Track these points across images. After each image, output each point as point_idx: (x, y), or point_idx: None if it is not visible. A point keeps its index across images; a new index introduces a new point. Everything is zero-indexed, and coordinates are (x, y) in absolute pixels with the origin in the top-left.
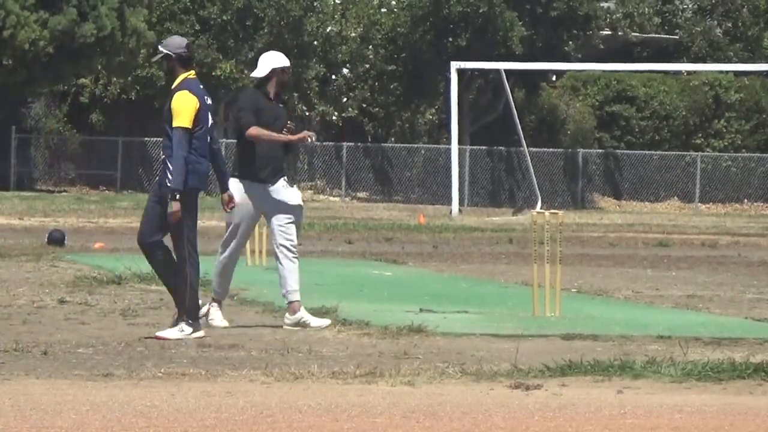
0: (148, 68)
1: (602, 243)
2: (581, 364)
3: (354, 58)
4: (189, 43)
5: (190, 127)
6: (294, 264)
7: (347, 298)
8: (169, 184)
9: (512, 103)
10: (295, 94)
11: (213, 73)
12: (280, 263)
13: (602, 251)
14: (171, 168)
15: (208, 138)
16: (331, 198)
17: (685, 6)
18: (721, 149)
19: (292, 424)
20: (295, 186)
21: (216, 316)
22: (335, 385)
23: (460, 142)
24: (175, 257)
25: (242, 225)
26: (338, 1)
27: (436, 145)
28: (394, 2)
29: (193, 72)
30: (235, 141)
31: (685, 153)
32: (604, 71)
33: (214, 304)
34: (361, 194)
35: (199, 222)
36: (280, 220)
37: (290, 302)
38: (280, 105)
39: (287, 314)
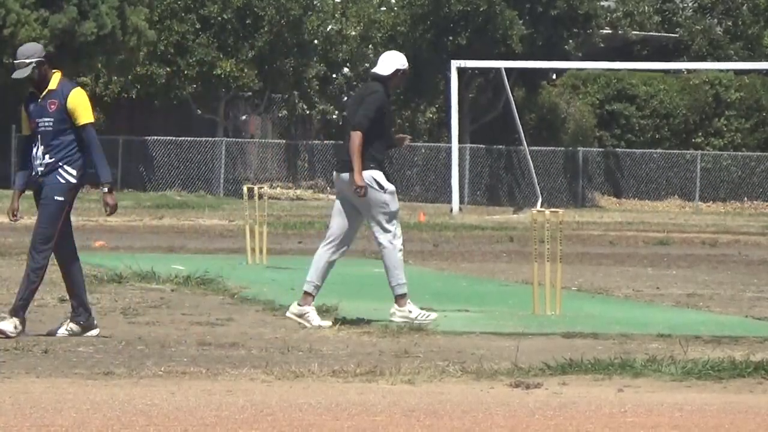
0: (149, 67)
1: (602, 241)
2: (582, 363)
3: (354, 57)
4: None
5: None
6: (395, 255)
7: (347, 297)
8: (102, 179)
9: (512, 102)
10: (296, 93)
11: (213, 72)
12: (384, 258)
13: (602, 250)
14: (96, 163)
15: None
16: (332, 197)
17: (686, 4)
18: (721, 148)
19: (292, 423)
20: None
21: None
22: (336, 383)
23: (460, 141)
24: (38, 253)
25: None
26: (338, 0)
27: (436, 144)
28: (393, 1)
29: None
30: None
31: (686, 151)
32: (604, 70)
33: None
34: None
35: (199, 222)
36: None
37: (398, 296)
38: None
39: (397, 306)
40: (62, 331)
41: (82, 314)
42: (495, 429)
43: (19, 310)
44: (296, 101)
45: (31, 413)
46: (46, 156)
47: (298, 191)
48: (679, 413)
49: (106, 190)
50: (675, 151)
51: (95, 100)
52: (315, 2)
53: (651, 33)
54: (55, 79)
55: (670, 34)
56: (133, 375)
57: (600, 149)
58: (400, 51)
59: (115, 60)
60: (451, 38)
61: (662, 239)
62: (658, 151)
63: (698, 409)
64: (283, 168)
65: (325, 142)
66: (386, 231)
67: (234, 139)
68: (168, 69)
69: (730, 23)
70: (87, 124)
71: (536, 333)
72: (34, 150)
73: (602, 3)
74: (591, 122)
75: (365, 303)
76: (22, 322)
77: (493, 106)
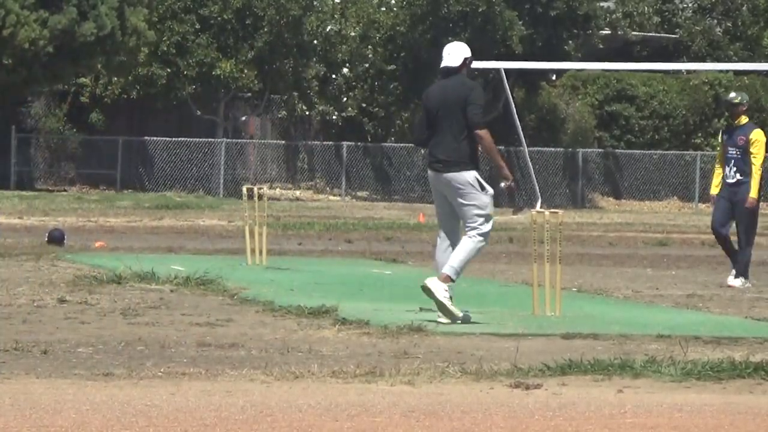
0: (149, 67)
1: (602, 242)
2: (581, 364)
3: (354, 57)
4: None
5: None
6: (473, 248)
7: (347, 298)
8: None
9: (512, 103)
10: (295, 94)
11: (213, 73)
12: (462, 241)
13: (602, 250)
14: None
15: None
16: (331, 197)
17: (685, 5)
18: None
19: (291, 424)
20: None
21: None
22: (335, 384)
23: None
24: None
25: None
26: (337, 1)
27: None
28: (393, 1)
29: None
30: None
31: (685, 152)
32: (603, 70)
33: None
34: (361, 194)
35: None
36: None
37: (445, 274)
38: None
39: (437, 279)
40: None
41: None
42: (495, 430)
43: None
44: (296, 102)
45: (31, 414)
46: None
47: (298, 192)
48: (678, 414)
49: None
50: (674, 152)
51: (95, 101)
52: (314, 3)
53: (650, 34)
54: None
55: (670, 35)
56: (133, 376)
57: (599, 150)
58: (399, 51)
59: (114, 61)
60: (450, 39)
61: (662, 240)
62: (658, 151)
63: (698, 410)
64: (282, 169)
65: (324, 142)
66: (476, 229)
67: (233, 140)
68: (168, 70)
69: (729, 24)
70: None
71: (536, 334)
72: None
73: (602, 4)
74: (590, 123)
75: (365, 303)
76: None
77: (492, 106)
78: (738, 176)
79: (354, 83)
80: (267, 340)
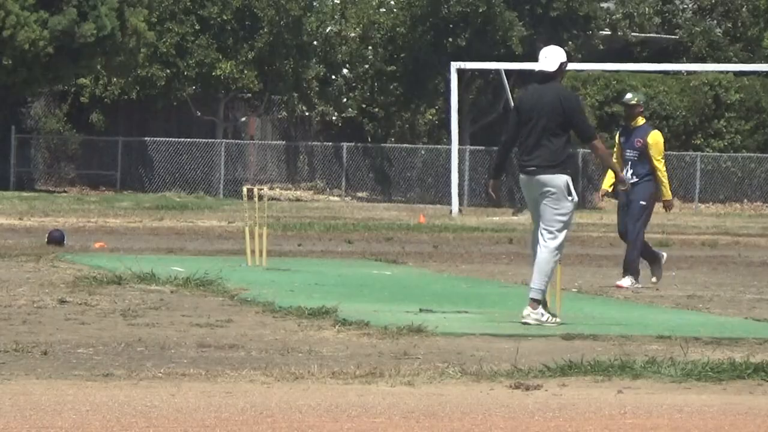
0: (148, 68)
1: (602, 243)
2: (581, 364)
3: (354, 58)
4: None
5: None
6: (550, 262)
7: (347, 298)
8: None
9: (512, 103)
10: (295, 95)
11: (213, 73)
12: (538, 258)
13: (602, 251)
14: None
15: None
16: (331, 198)
17: (685, 6)
18: (720, 149)
19: (292, 425)
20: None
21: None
22: (335, 385)
23: (460, 142)
24: None
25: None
26: (337, 1)
27: (435, 146)
28: (393, 2)
29: None
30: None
31: (685, 153)
32: (603, 71)
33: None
34: (361, 194)
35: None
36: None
37: (532, 299)
38: None
39: (529, 309)
40: None
41: None
42: (494, 430)
43: None
44: (296, 102)
45: (31, 415)
46: None
47: (298, 192)
48: (678, 415)
49: None
50: (675, 153)
51: (95, 102)
52: (314, 3)
53: (651, 34)
54: None
55: (670, 36)
56: (133, 376)
57: None
58: (399, 52)
59: (114, 61)
60: (450, 40)
61: (662, 240)
62: None
63: (698, 411)
64: (282, 169)
65: (324, 143)
66: (555, 237)
67: (233, 141)
68: (167, 70)
69: (729, 25)
70: None
71: (536, 334)
72: None
73: (602, 4)
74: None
75: (365, 304)
76: None
77: (492, 107)
78: (635, 178)
79: (354, 84)
80: (267, 341)
